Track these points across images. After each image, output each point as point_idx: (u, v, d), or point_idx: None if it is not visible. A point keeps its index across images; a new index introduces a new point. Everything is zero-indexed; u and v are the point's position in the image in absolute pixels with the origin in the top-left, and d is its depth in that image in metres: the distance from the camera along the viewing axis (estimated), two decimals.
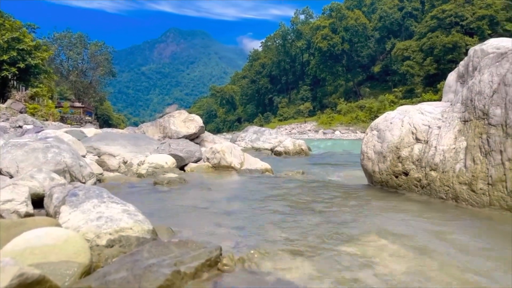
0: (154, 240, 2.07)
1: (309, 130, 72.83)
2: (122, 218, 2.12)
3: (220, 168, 6.63)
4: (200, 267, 1.76)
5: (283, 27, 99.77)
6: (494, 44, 3.88)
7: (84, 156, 6.55)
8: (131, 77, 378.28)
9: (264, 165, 7.07)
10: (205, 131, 12.36)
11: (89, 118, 54.51)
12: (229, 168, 6.59)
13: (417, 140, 4.19)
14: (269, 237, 2.45)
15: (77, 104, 58.17)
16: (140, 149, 7.89)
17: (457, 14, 55.13)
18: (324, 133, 65.64)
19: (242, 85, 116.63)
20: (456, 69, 4.61)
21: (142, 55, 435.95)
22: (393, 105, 62.55)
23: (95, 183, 4.11)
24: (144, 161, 6.87)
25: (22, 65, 33.71)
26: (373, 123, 4.97)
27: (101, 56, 76.15)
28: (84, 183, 3.98)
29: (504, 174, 3.15)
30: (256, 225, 2.77)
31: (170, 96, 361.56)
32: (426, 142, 4.07)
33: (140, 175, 5.43)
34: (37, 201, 3.32)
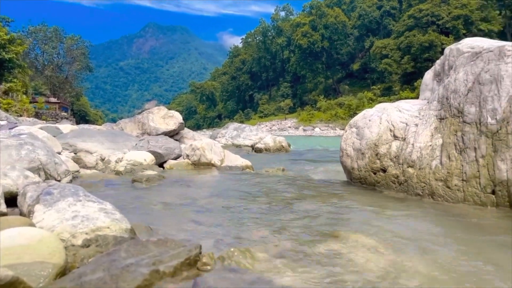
0: (132, 239, 2.03)
1: (289, 127, 73.16)
2: (99, 217, 2.08)
3: (200, 165, 6.58)
4: (179, 266, 1.74)
5: (263, 23, 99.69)
6: (469, 43, 3.97)
7: (59, 153, 6.40)
8: (109, 72, 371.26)
9: (245, 162, 7.06)
10: (185, 128, 12.26)
11: (65, 114, 53.27)
12: (209, 165, 6.55)
13: (395, 137, 4.26)
14: (249, 235, 2.45)
15: (53, 99, 56.75)
16: (118, 146, 7.76)
17: (433, 14, 56.22)
18: (304, 130, 66.08)
19: (222, 82, 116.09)
20: (432, 67, 4.71)
21: (120, 50, 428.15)
22: (371, 102, 63.44)
23: (71, 181, 4.02)
24: (122, 158, 6.76)
25: None
26: (352, 121, 5.03)
27: (78, 51, 74.42)
28: (59, 181, 3.88)
29: (478, 171, 3.23)
30: (236, 223, 2.76)
31: (149, 92, 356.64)
32: (404, 139, 4.14)
33: (118, 173, 5.34)
34: (11, 200, 3.22)
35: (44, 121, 31.72)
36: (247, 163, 7.02)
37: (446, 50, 4.30)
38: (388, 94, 61.82)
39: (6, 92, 35.12)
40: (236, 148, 15.98)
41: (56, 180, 3.86)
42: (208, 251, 1.95)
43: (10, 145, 3.82)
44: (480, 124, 3.31)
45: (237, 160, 6.99)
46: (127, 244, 1.83)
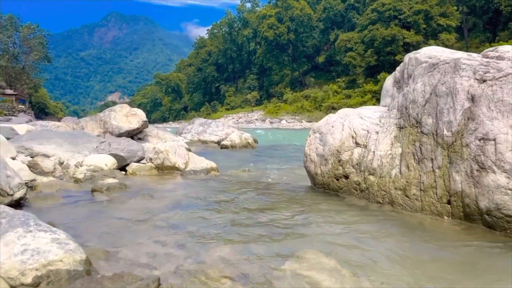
0: (87, 273, 1.95)
1: (256, 120, 73.27)
2: (51, 249, 1.98)
3: (164, 169, 6.46)
4: None
5: (229, 15, 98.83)
6: (427, 53, 4.08)
7: (14, 158, 6.09)
8: (69, 63, 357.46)
9: (210, 164, 6.99)
10: (149, 125, 11.99)
11: (23, 106, 50.96)
12: (173, 168, 6.44)
13: (357, 144, 4.33)
14: (210, 257, 2.41)
15: (9, 91, 54.16)
16: (78, 148, 7.49)
17: (395, 8, 57.60)
18: (271, 123, 66.40)
19: (188, 73, 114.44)
20: (393, 74, 4.81)
21: (81, 39, 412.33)
22: (336, 94, 64.59)
23: (24, 194, 3.82)
24: (82, 162, 6.53)
25: None
26: (315, 126, 5.07)
27: (35, 40, 71.09)
28: (12, 195, 3.69)
29: (435, 181, 3.34)
30: (197, 241, 2.72)
31: (112, 83, 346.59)
32: (365, 146, 4.22)
33: (77, 180, 5.14)
34: None
35: (0, 115, 30.18)
36: (212, 165, 6.95)
37: (406, 58, 4.40)
38: (353, 86, 63.07)
39: None
40: (202, 144, 15.85)
41: (8, 194, 3.67)
42: (167, 284, 1.90)
43: None
44: (436, 135, 3.41)
45: (202, 162, 6.91)
46: (80, 282, 1.76)
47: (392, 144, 3.90)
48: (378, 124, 4.27)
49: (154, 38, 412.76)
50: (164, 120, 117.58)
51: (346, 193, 4.34)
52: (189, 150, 11.82)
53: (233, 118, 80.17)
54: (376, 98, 56.13)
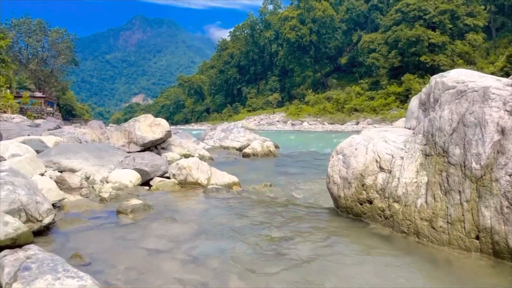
0: None
1: (278, 121, 73.18)
2: None
3: (187, 184, 6.52)
4: None
5: (251, 17, 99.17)
6: (455, 77, 3.97)
7: (42, 174, 6.28)
8: (95, 66, 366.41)
9: (231, 178, 7.02)
10: (172, 127, 12.13)
11: (51, 109, 52.39)
12: (195, 184, 6.50)
13: (381, 169, 4.26)
14: None
15: (38, 94, 55.85)
16: (103, 162, 7.65)
17: (420, 8, 56.50)
18: (293, 125, 66.16)
19: (210, 75, 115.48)
20: (418, 95, 4.70)
21: (107, 42, 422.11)
22: (359, 96, 63.83)
23: (53, 220, 3.93)
24: (107, 177, 6.67)
25: None
26: (338, 147, 5.01)
27: (63, 44, 73.29)
28: (41, 221, 3.80)
29: (463, 215, 3.25)
30: (220, 279, 2.73)
31: (136, 85, 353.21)
32: (390, 172, 4.14)
33: (102, 199, 5.25)
34: None
35: (28, 118, 31.16)
36: (234, 180, 6.98)
37: (432, 81, 4.30)
38: (376, 88, 62.22)
39: None
40: (224, 151, 15.95)
41: (37, 220, 3.78)
42: None
43: None
44: (464, 167, 3.31)
45: (224, 177, 6.94)
46: None
47: (418, 171, 3.82)
48: (403, 149, 4.19)
49: (177, 40, 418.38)
50: (186, 121, 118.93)
51: (370, 218, 4.27)
52: (211, 159, 11.95)
53: (255, 119, 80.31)
54: (399, 100, 55.18)
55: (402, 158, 4.10)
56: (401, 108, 53.32)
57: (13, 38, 64.36)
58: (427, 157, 3.80)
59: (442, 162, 3.57)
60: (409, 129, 4.65)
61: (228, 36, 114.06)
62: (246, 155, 13.22)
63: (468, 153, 3.31)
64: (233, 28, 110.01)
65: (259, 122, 76.57)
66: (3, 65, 42.83)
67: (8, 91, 36.93)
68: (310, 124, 63.55)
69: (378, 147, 4.41)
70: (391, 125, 48.95)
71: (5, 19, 65.95)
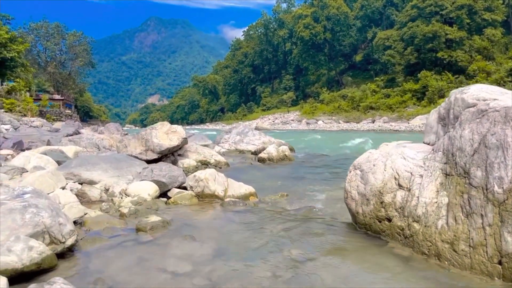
0: None
1: (292, 120, 72.94)
2: None
3: (204, 196, 6.57)
4: None
5: (265, 16, 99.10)
6: (475, 94, 3.89)
7: (63, 188, 6.41)
8: (111, 67, 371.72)
9: (248, 189, 7.05)
10: (187, 126, 12.23)
11: (69, 111, 53.34)
12: (213, 196, 6.55)
13: (400, 186, 4.21)
14: None
15: (57, 96, 56.97)
16: (121, 172, 7.76)
17: (437, 4, 55.54)
18: (308, 124, 65.88)
19: (224, 75, 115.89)
20: (437, 109, 4.63)
21: (122, 44, 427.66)
22: (374, 94, 63.13)
23: (76, 241, 4.01)
24: (126, 189, 6.77)
25: None
26: (356, 162, 4.97)
27: (80, 47, 74.74)
28: (64, 242, 3.89)
29: (485, 239, 3.19)
30: None
31: (151, 86, 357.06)
32: (409, 190, 4.09)
33: (122, 215, 5.34)
34: (15, 277, 3.24)
35: (48, 121, 31.76)
36: (251, 190, 7.01)
37: (451, 97, 4.22)
38: (392, 85, 61.46)
39: (9, 92, 35.19)
40: (240, 154, 16.02)
41: (60, 242, 3.86)
42: None
43: (14, 208, 3.82)
44: (487, 190, 3.25)
45: (241, 188, 6.97)
46: None
47: (438, 191, 3.76)
48: (422, 167, 4.14)
49: (191, 41, 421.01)
50: (201, 121, 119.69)
51: (389, 236, 4.23)
52: (227, 164, 12.01)
53: (269, 119, 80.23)
54: (416, 97, 54.33)
55: (421, 176, 4.05)
56: (418, 106, 52.54)
57: (32, 41, 65.85)
58: (448, 176, 3.74)
59: (463, 184, 3.51)
60: (428, 144, 4.59)
61: (242, 35, 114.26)
62: (261, 160, 13.23)
63: (490, 176, 3.25)
64: (247, 28, 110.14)
65: (273, 121, 76.48)
66: (23, 69, 43.76)
67: (27, 94, 37.74)
68: (325, 123, 63.15)
69: (397, 164, 4.36)
70: (408, 122, 48.26)
71: (23, 23, 67.36)
